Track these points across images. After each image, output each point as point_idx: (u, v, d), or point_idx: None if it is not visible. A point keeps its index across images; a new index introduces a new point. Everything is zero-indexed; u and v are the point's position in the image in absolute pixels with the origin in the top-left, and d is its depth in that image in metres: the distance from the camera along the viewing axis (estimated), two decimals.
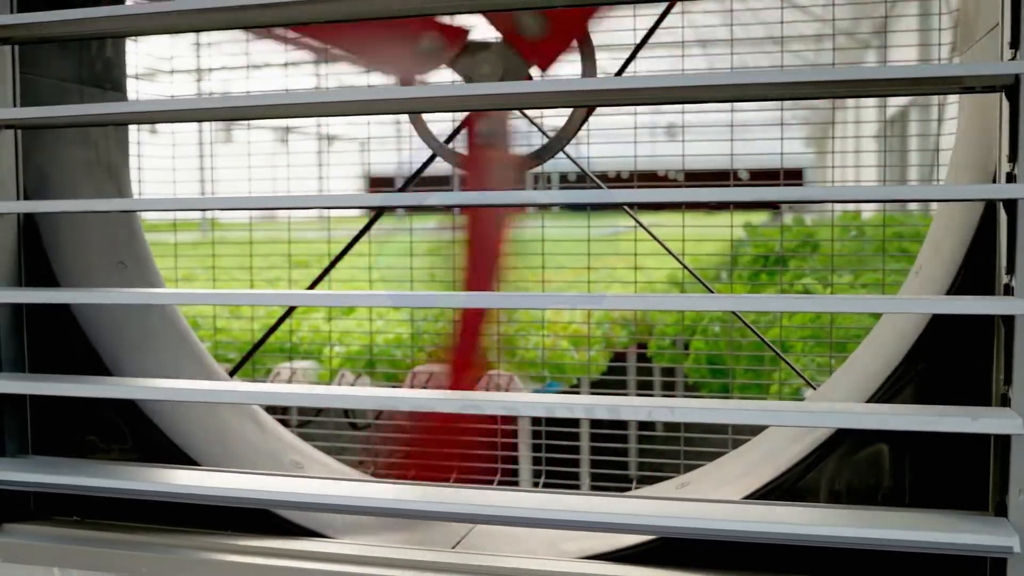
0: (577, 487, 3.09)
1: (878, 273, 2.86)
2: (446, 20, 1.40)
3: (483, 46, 1.38)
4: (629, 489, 2.00)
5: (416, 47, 1.37)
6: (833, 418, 1.01)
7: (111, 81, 1.52)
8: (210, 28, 1.25)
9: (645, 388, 3.39)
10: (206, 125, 4.33)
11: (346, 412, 2.71)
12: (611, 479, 3.27)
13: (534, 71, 1.41)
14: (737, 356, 2.82)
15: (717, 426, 2.87)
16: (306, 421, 2.51)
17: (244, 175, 3.72)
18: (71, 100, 1.43)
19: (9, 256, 1.31)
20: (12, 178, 1.31)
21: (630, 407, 1.11)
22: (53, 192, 1.39)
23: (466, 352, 1.54)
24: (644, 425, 3.83)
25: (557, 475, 2.94)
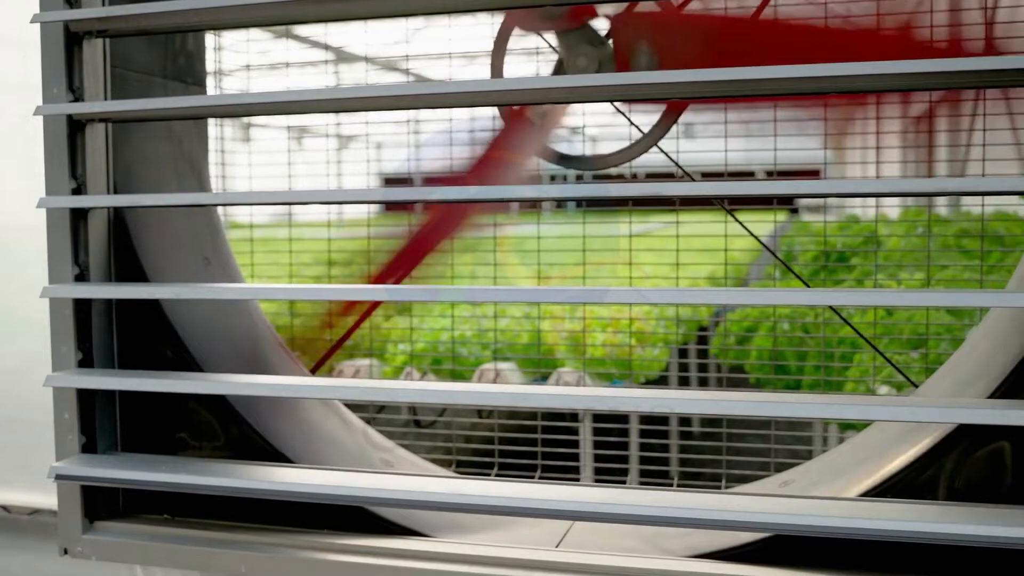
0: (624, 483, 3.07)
1: (950, 270, 2.82)
2: None
3: (595, 39, 1.36)
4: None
5: None
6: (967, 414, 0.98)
7: (192, 75, 1.50)
8: (312, 20, 1.23)
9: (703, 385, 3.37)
10: (219, 124, 4.31)
11: (412, 409, 2.70)
12: (655, 475, 3.23)
13: None
14: (803, 353, 2.79)
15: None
16: (368, 419, 2.49)
17: (260, 173, 3.69)
18: (156, 94, 1.42)
19: (100, 251, 1.30)
20: (103, 172, 1.30)
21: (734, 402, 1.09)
22: (139, 187, 1.38)
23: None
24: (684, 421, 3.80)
25: (607, 471, 2.92)
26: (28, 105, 1.26)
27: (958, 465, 1.12)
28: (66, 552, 1.31)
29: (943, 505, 1.09)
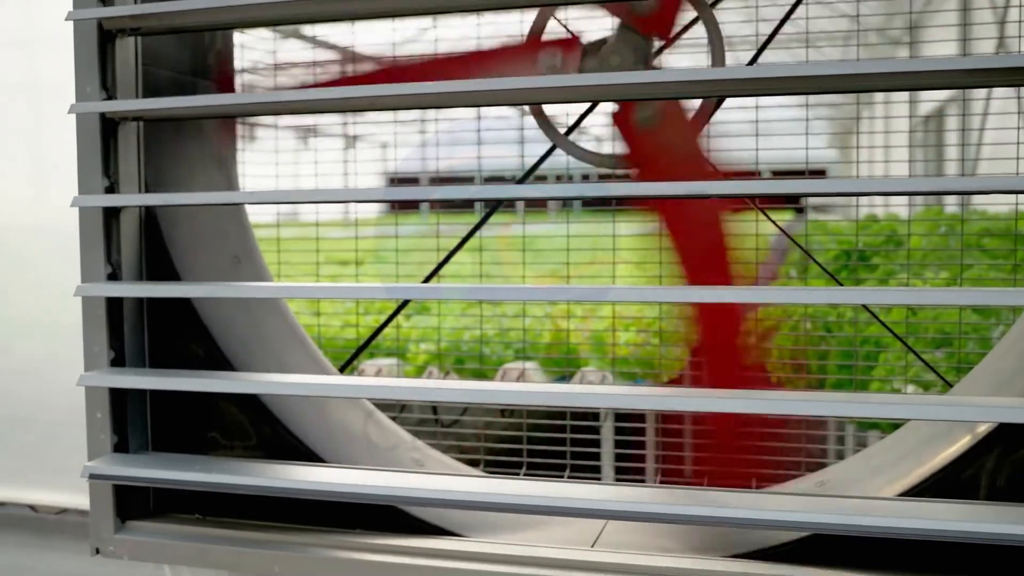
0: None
1: (976, 270, 2.80)
2: None
3: (628, 39, 1.34)
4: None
5: None
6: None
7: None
8: (341, 18, 1.22)
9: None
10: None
11: (433, 408, 2.69)
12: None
13: None
14: (825, 352, 2.78)
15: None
16: (392, 418, 2.48)
17: (262, 172, 3.67)
18: (186, 93, 1.41)
19: (132, 250, 1.30)
20: (135, 171, 1.30)
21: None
22: (169, 186, 1.38)
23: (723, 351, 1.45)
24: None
25: (627, 470, 2.90)
26: (32, 105, 1.25)
27: (999, 464, 1.11)
28: (98, 552, 1.31)
29: (985, 504, 1.08)
